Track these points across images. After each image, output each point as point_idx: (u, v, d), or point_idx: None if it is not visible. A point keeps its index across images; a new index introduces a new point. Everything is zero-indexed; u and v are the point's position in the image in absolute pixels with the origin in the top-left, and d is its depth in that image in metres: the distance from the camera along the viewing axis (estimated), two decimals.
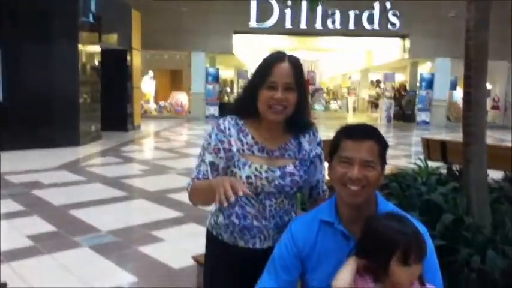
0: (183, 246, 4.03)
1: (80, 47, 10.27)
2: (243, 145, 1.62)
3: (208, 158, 1.63)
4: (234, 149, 1.61)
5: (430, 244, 1.37)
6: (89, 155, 9.32)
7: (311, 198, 1.79)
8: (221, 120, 1.67)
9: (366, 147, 1.39)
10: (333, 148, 1.47)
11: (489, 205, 2.93)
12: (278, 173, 1.60)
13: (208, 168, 1.62)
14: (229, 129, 1.63)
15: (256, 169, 1.59)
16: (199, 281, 2.95)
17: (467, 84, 2.99)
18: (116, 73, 13.23)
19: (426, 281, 1.33)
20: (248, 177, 1.58)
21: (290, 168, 1.63)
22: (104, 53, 12.25)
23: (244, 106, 1.64)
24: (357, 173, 1.37)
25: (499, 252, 2.37)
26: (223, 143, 1.62)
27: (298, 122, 1.66)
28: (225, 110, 1.92)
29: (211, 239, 1.73)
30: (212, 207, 1.74)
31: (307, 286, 1.53)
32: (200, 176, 1.62)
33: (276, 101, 1.55)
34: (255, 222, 1.62)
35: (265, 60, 1.62)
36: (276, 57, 1.58)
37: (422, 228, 1.37)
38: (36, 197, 5.67)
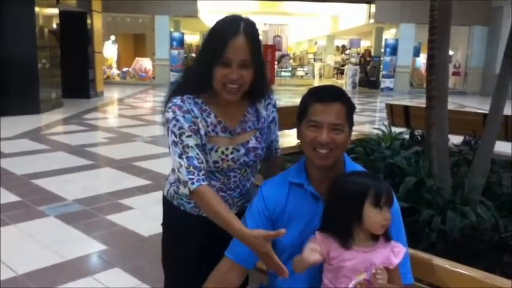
0: (152, 214, 4.02)
1: (37, 9, 9.75)
2: (208, 126, 1.55)
3: (191, 141, 1.48)
4: (202, 132, 1.53)
5: (395, 203, 1.43)
6: (50, 123, 9.04)
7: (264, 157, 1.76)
8: (179, 102, 1.51)
9: (334, 109, 1.41)
10: (301, 112, 1.47)
11: (449, 168, 3.05)
12: (242, 151, 1.59)
13: (198, 151, 1.48)
14: (192, 110, 1.51)
15: (222, 152, 1.56)
16: None
17: (431, 47, 3.05)
18: (75, 37, 12.69)
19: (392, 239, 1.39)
20: (215, 162, 1.55)
21: (252, 142, 1.61)
22: (63, 15, 11.70)
23: (199, 83, 1.52)
24: (326, 137, 1.40)
25: (458, 212, 2.48)
26: (195, 124, 1.51)
27: (256, 93, 1.60)
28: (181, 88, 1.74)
29: (172, 209, 1.70)
30: (170, 178, 1.69)
31: (276, 249, 1.57)
32: (195, 163, 1.46)
33: (230, 81, 1.47)
34: (220, 193, 1.61)
35: (217, 31, 1.49)
36: (231, 31, 1.44)
37: None
38: None
